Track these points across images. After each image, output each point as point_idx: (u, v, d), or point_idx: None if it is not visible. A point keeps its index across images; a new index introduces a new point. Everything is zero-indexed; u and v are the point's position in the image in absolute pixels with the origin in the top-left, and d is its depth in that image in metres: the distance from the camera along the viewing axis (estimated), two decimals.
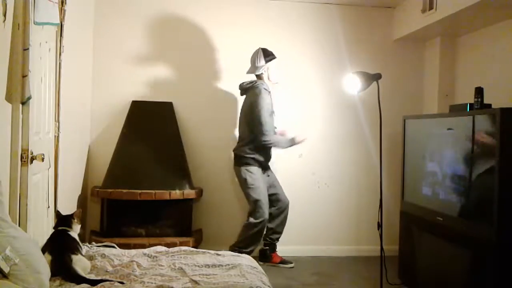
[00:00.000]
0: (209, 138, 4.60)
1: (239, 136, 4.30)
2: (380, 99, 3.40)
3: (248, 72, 4.23)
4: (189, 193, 4.20)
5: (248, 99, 4.21)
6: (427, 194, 3.64)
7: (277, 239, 4.38)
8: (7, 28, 2.35)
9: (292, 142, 4.18)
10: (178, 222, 4.27)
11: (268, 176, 4.33)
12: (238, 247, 4.07)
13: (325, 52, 4.76)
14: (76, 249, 2.36)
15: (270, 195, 4.27)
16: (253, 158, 4.15)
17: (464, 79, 4.43)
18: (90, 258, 2.50)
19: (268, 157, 4.26)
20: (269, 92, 4.17)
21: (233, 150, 4.28)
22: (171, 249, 2.79)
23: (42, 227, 2.89)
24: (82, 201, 4.23)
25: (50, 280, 2.06)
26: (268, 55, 4.17)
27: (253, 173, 4.14)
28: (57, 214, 2.60)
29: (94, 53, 4.47)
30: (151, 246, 2.91)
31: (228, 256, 2.68)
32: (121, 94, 4.49)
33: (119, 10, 4.51)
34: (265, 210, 4.15)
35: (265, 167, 4.28)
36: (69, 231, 2.46)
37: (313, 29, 4.75)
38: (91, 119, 4.48)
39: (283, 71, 4.44)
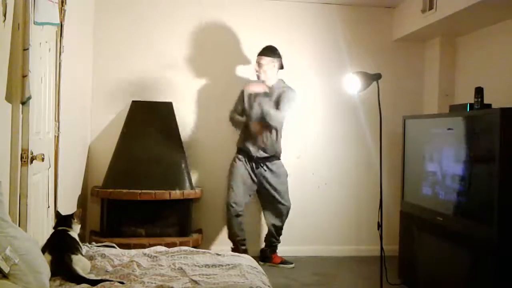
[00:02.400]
0: (209, 138, 4.60)
1: None
2: (380, 99, 3.40)
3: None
4: (189, 193, 4.21)
5: None
6: (427, 194, 3.64)
7: (276, 240, 4.38)
8: (7, 28, 2.35)
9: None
10: (178, 222, 4.27)
11: (263, 171, 4.25)
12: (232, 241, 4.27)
13: (325, 52, 4.76)
14: (76, 249, 2.36)
15: (271, 198, 4.29)
16: (241, 148, 4.27)
17: (464, 79, 4.43)
18: (90, 258, 2.50)
19: (253, 148, 4.21)
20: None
21: None
22: (171, 249, 2.79)
23: (42, 227, 2.89)
24: (82, 201, 4.23)
25: (50, 280, 2.06)
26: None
27: (236, 162, 4.27)
28: (57, 214, 2.60)
29: (94, 53, 4.47)
30: (151, 246, 2.90)
31: (228, 256, 2.68)
32: (121, 94, 4.49)
33: (119, 10, 4.51)
34: (233, 196, 4.20)
35: (256, 161, 4.24)
36: (69, 231, 2.46)
37: (313, 29, 4.75)
38: (91, 119, 4.47)
39: (282, 71, 4.45)
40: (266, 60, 4.18)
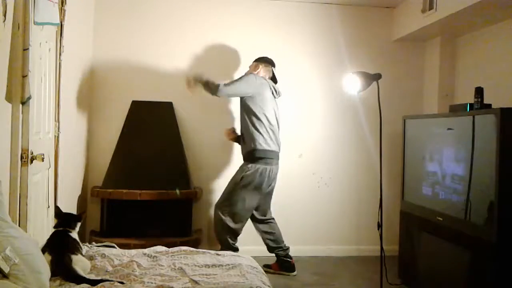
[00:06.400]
0: (209, 138, 4.60)
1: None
2: (380, 99, 3.40)
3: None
4: (189, 193, 4.21)
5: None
6: (427, 194, 3.64)
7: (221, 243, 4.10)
8: (7, 28, 2.35)
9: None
10: (178, 222, 4.27)
11: None
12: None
13: (325, 52, 4.76)
14: (76, 249, 2.36)
15: None
16: None
17: (464, 79, 4.43)
18: (90, 258, 2.50)
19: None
20: None
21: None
22: (171, 249, 2.79)
23: (42, 227, 2.89)
24: (82, 201, 4.23)
25: (50, 280, 2.06)
26: None
27: None
28: (58, 212, 2.57)
29: (94, 53, 4.47)
30: (151, 246, 2.91)
31: (228, 256, 2.68)
32: (121, 94, 4.49)
33: (119, 10, 4.51)
34: None
35: None
36: (70, 231, 2.46)
37: (313, 29, 4.75)
38: (91, 120, 4.47)
39: (282, 71, 4.44)
40: (251, 64, 4.13)
